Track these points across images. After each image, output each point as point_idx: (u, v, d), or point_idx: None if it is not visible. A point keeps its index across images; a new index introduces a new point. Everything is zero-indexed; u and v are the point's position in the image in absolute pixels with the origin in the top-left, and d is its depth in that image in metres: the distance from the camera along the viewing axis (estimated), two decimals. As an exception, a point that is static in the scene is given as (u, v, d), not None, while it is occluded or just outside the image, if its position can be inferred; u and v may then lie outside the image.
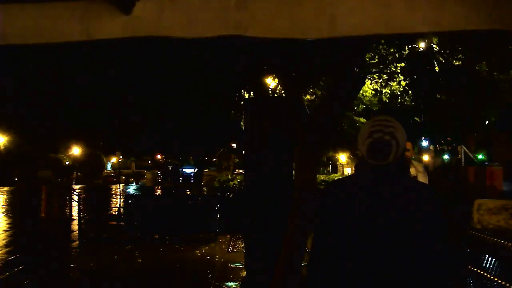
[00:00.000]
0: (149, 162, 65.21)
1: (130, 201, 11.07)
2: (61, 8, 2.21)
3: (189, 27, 2.16)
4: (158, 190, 29.80)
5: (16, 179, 37.57)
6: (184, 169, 33.30)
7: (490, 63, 6.42)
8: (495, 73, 6.79)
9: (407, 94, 7.24)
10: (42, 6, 2.22)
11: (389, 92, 7.09)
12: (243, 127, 10.07)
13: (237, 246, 8.72)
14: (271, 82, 8.44)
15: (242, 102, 9.38)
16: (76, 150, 48.24)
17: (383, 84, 6.90)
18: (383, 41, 5.92)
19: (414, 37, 6.04)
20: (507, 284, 4.74)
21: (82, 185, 36.99)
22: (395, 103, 7.80)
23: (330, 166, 36.29)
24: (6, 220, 14.03)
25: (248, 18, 2.13)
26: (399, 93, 7.15)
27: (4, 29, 2.24)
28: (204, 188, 18.77)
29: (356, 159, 36.06)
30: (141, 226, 9.98)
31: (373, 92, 7.30)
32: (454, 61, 6.32)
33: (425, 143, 31.35)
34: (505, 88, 7.37)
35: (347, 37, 2.19)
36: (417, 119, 8.39)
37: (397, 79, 6.83)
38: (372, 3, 2.14)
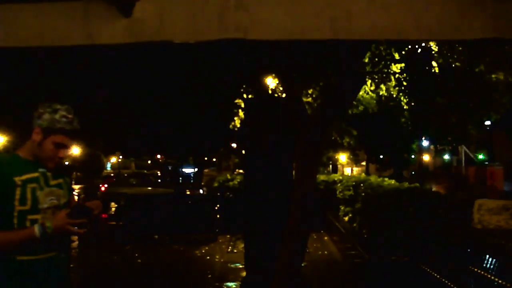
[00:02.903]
0: (149, 162, 65.27)
1: (130, 201, 11.06)
2: (61, 8, 2.22)
3: (189, 30, 2.17)
4: (158, 190, 29.72)
5: (16, 179, 37.52)
6: (183, 169, 33.28)
7: (487, 64, 6.43)
8: (493, 75, 6.79)
9: (406, 94, 7.24)
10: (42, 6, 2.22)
11: (386, 94, 7.09)
12: (236, 128, 10.07)
13: (237, 246, 8.72)
14: (271, 82, 8.43)
15: (240, 102, 9.37)
16: (75, 150, 48.22)
17: (384, 83, 6.90)
18: (383, 41, 5.92)
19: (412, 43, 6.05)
20: (508, 284, 4.74)
21: (82, 185, 36.97)
22: (393, 104, 7.81)
23: (330, 166, 36.28)
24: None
25: (248, 20, 2.13)
26: (395, 94, 7.15)
27: (6, 31, 2.24)
28: (204, 188, 18.77)
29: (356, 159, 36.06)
30: (141, 226, 9.98)
31: (373, 95, 7.30)
32: (453, 62, 6.32)
33: (425, 143, 31.36)
34: (502, 90, 7.37)
35: (347, 40, 2.20)
36: (407, 123, 8.40)
37: (394, 80, 6.84)
38: (371, 7, 2.14)
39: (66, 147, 2.17)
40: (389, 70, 6.65)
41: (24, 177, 2.07)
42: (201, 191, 13.97)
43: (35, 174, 2.11)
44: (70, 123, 2.13)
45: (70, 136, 2.15)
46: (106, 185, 19.16)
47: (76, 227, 2.04)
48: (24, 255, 2.02)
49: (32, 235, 1.98)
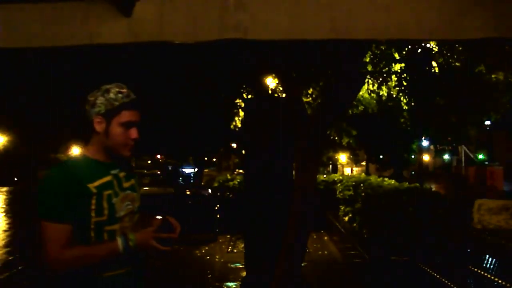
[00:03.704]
0: (149, 162, 65.25)
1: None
2: (62, 8, 2.22)
3: (189, 31, 2.17)
4: (158, 190, 29.71)
5: (15, 179, 37.57)
6: (183, 169, 33.26)
7: (487, 64, 6.44)
8: (493, 75, 6.80)
9: (406, 94, 7.25)
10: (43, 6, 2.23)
11: (386, 94, 7.09)
12: (236, 128, 10.08)
13: (237, 246, 8.72)
14: (271, 82, 8.44)
15: (240, 102, 9.37)
16: (75, 150, 48.27)
17: (383, 83, 6.90)
18: (383, 41, 5.93)
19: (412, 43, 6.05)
20: (507, 284, 4.74)
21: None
22: (393, 104, 7.81)
23: (330, 166, 36.29)
24: (6, 220, 14.03)
25: (248, 19, 2.13)
26: (395, 93, 7.16)
27: (7, 31, 2.24)
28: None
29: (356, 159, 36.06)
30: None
31: (373, 95, 7.30)
32: (453, 62, 6.33)
33: (425, 143, 31.35)
34: (502, 90, 7.38)
35: (347, 40, 2.20)
36: (408, 123, 8.41)
37: (394, 80, 6.84)
38: (371, 7, 2.14)
39: (135, 124, 1.91)
40: (390, 70, 6.65)
41: (98, 182, 1.82)
42: (209, 190, 14.01)
43: (108, 178, 1.87)
44: (127, 96, 1.89)
45: (134, 109, 1.90)
46: None
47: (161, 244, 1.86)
48: (107, 270, 1.83)
49: (115, 250, 1.79)
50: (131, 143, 1.92)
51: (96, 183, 1.82)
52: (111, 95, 1.87)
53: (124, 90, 1.90)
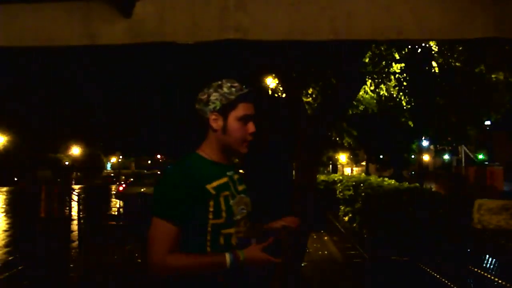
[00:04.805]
0: (149, 162, 65.31)
1: (130, 201, 11.05)
2: (61, 9, 2.22)
3: (189, 31, 2.17)
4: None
5: (15, 179, 37.58)
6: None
7: (487, 64, 6.45)
8: (493, 75, 6.81)
9: (406, 94, 7.25)
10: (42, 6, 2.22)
11: (386, 94, 7.09)
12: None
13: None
14: (271, 82, 8.44)
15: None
16: (75, 150, 48.32)
17: (384, 83, 6.90)
18: (383, 41, 5.92)
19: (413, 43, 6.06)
20: (507, 284, 4.74)
21: (82, 185, 36.98)
22: (393, 104, 7.81)
23: (330, 166, 36.30)
24: (6, 220, 14.03)
25: (248, 20, 2.13)
26: (395, 93, 7.16)
27: (6, 31, 2.24)
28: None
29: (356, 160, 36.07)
30: (141, 226, 9.96)
31: (373, 94, 7.30)
32: (453, 62, 6.33)
33: (425, 143, 31.36)
34: (503, 90, 7.39)
35: (347, 40, 2.20)
36: (410, 123, 8.43)
37: (393, 81, 6.84)
38: (371, 7, 2.14)
39: (252, 118, 1.81)
40: (390, 70, 6.65)
41: (215, 183, 1.73)
42: None
43: (225, 179, 1.78)
44: (241, 90, 1.80)
45: (249, 102, 1.81)
46: (124, 185, 19.22)
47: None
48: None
49: (222, 264, 1.68)
50: (250, 138, 1.82)
51: (214, 184, 1.74)
52: (225, 89, 1.79)
53: (236, 84, 1.82)
